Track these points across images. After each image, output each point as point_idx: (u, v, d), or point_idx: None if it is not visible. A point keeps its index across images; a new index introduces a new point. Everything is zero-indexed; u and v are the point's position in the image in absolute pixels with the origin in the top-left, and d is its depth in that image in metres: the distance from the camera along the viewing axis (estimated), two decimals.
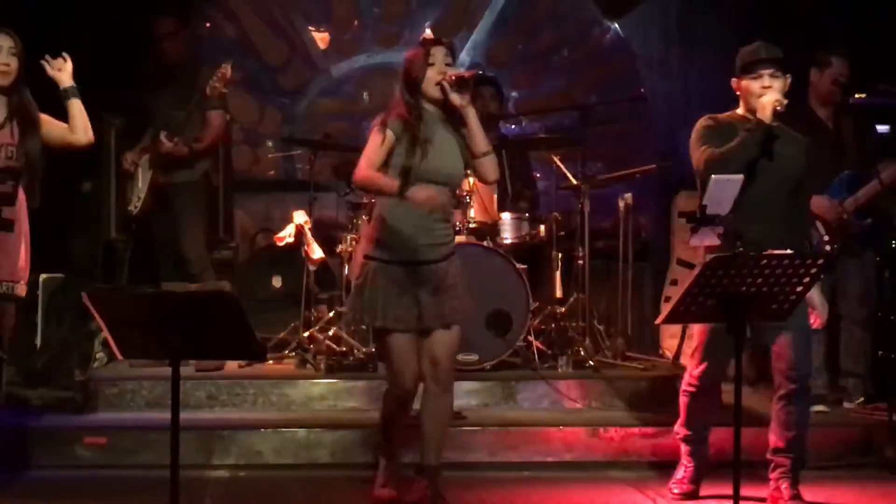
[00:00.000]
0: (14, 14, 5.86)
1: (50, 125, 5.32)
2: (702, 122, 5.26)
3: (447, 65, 5.01)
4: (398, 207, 4.96)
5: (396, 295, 4.96)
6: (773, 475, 5.23)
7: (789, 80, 5.14)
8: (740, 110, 5.23)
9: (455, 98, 4.94)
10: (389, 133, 4.96)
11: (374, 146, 4.98)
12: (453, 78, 4.96)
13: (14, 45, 5.20)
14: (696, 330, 5.32)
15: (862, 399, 6.65)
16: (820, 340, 6.41)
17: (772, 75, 5.11)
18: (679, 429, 5.41)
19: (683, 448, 5.42)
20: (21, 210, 5.23)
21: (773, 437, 5.22)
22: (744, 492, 4.41)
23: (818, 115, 6.58)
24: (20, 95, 5.24)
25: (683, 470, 5.41)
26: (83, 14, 7.39)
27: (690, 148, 5.22)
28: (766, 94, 5.06)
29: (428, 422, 5.06)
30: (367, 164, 4.97)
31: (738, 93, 5.23)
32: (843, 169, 6.46)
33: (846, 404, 6.65)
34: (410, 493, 5.17)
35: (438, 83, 4.96)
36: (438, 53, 5.01)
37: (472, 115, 4.99)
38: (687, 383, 5.32)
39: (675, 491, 5.38)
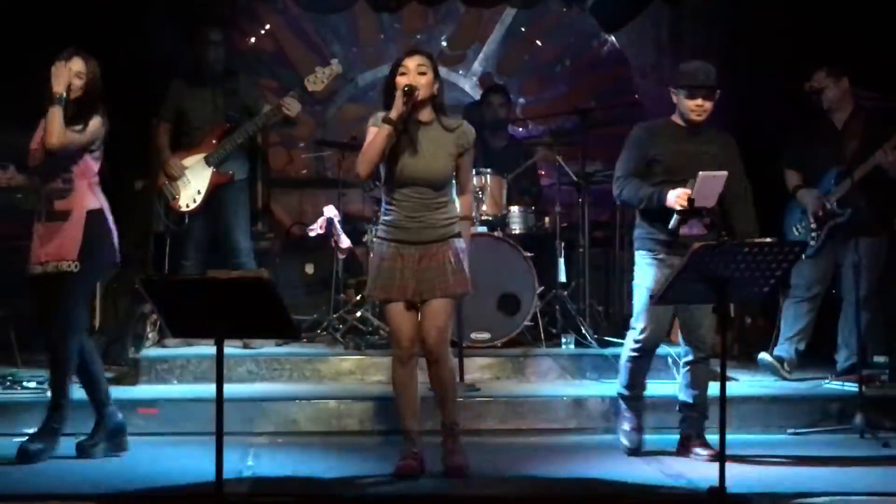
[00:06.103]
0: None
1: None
2: (633, 131, 5.42)
3: (421, 73, 4.88)
4: (390, 195, 4.94)
5: (388, 269, 4.94)
6: (684, 425, 5.45)
7: (717, 94, 5.25)
8: (675, 117, 5.37)
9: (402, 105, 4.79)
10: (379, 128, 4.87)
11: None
12: (404, 87, 4.83)
13: (81, 70, 5.15)
14: (638, 299, 5.37)
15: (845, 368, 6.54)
16: (799, 316, 6.65)
17: (704, 97, 5.23)
18: (623, 390, 5.54)
19: (625, 405, 5.54)
20: (76, 201, 5.19)
21: (683, 395, 5.43)
22: None
23: (830, 118, 6.63)
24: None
25: (629, 422, 5.52)
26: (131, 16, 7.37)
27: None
28: (697, 112, 5.22)
29: (434, 387, 5.08)
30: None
31: (674, 100, 5.35)
32: (836, 165, 6.50)
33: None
34: (422, 464, 5.03)
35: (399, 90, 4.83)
36: (411, 63, 4.89)
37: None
38: (631, 349, 5.41)
39: (627, 443, 5.50)
